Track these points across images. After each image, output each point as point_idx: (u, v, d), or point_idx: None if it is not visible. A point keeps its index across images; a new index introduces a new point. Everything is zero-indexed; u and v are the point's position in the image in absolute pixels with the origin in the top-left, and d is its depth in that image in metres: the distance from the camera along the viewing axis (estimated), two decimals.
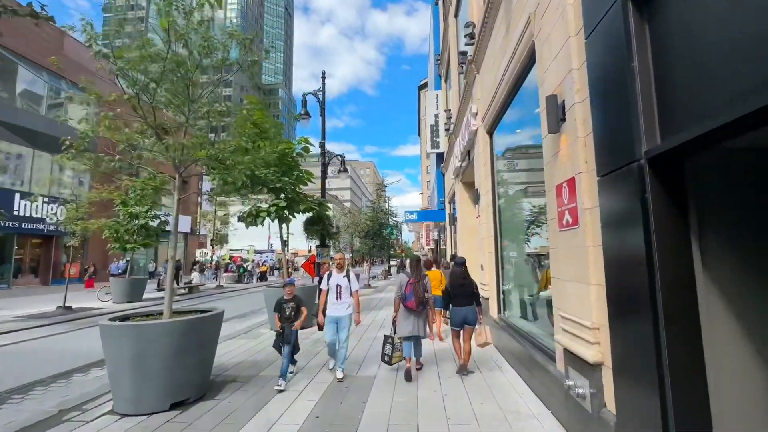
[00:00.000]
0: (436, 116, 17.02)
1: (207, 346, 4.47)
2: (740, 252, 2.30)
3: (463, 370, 4.93)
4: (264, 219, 8.32)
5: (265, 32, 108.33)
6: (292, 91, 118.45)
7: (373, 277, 27.84)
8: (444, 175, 16.98)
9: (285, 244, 9.08)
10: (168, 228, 16.33)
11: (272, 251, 46.97)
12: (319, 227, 10.51)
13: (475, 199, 7.70)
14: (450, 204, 15.70)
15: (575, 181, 2.98)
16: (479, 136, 7.52)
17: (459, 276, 5.10)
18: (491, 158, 6.93)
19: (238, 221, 9.14)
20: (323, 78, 12.05)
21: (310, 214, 10.44)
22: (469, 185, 11.09)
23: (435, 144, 16.83)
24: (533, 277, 5.40)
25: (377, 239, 20.63)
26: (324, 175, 11.38)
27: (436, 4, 18.96)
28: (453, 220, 12.37)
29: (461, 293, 5.00)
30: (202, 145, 4.86)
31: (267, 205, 8.55)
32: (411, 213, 17.85)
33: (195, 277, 18.19)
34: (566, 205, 3.13)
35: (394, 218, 21.96)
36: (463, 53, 8.46)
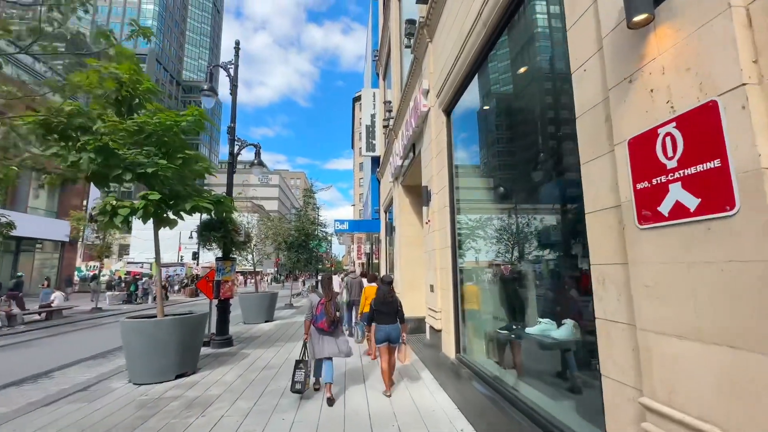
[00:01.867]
0: (373, 116, 15.45)
1: (197, 336, 6.18)
2: None
3: (388, 391, 4.88)
4: (126, 219, 5.68)
5: (189, 25, 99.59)
6: (218, 92, 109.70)
7: (297, 294, 25.04)
8: (380, 181, 15.36)
9: (157, 255, 6.45)
10: (14, 233, 12.13)
11: (182, 265, 41.03)
12: (219, 233, 7.99)
13: (425, 199, 6.03)
14: (386, 213, 14.07)
15: (719, 109, 1.31)
16: (432, 118, 5.90)
17: (386, 294, 5.08)
18: (448, 145, 5.31)
19: (89, 221, 6.31)
20: (236, 50, 9.69)
21: (209, 217, 7.91)
22: (412, 189, 9.50)
23: (370, 146, 15.19)
24: (515, 304, 3.77)
25: (303, 252, 18.18)
26: (231, 166, 8.91)
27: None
28: (390, 230, 10.72)
29: (386, 311, 4.99)
30: None
31: (138, 202, 5.91)
32: (342, 222, 15.84)
33: (57, 297, 13.90)
34: (684, 169, 1.45)
35: (323, 229, 19.72)
36: (411, 21, 6.88)
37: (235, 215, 8.67)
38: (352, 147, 78.15)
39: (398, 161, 9.16)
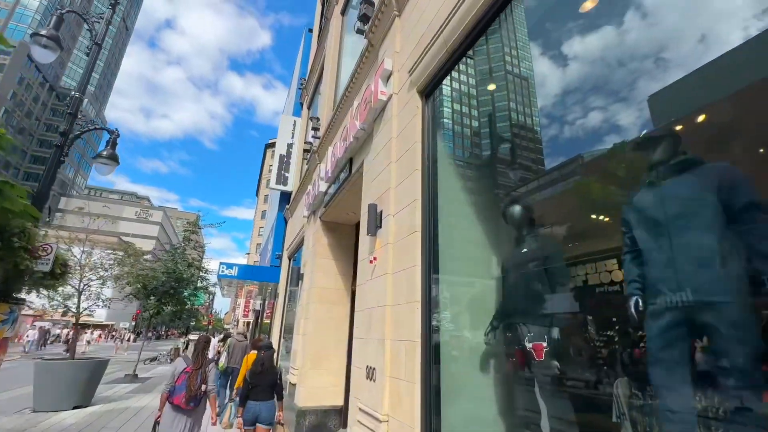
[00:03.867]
0: (290, 146, 13.26)
1: (94, 376, 8.01)
2: None
3: None
4: None
5: (85, 31, 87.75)
6: (103, 111, 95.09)
7: (152, 360, 19.14)
8: (287, 221, 12.75)
9: None
10: None
11: None
12: None
13: (370, 225, 3.88)
14: (291, 260, 11.35)
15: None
16: (393, 109, 4.03)
17: (265, 361, 4.53)
18: (425, 138, 3.42)
19: None
20: (114, 4, 6.93)
21: None
22: (334, 228, 7.32)
23: (282, 179, 12.74)
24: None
25: (169, 301, 13.76)
26: (59, 152, 5.60)
27: (310, 31, 16.62)
28: (295, 279, 8.04)
29: (261, 383, 4.40)
30: None
31: None
32: (229, 267, 12.31)
33: None
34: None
35: (205, 276, 15.59)
36: (369, 1, 5.28)
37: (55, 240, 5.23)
38: (257, 194, 73.11)
39: (322, 186, 6.99)
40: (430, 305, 2.91)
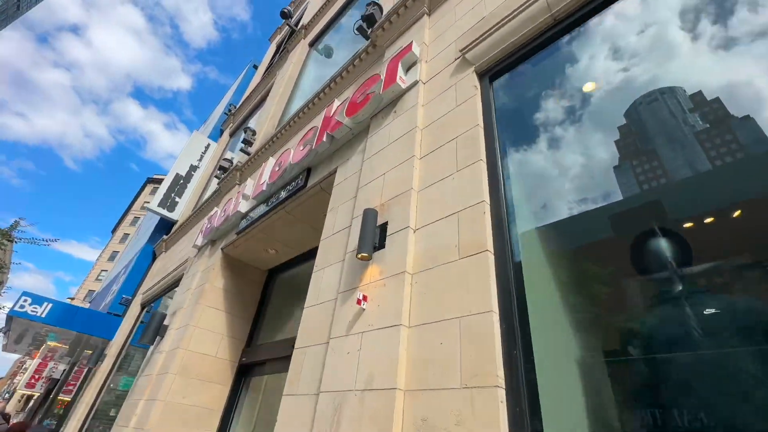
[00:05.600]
0: (193, 168, 10.76)
1: None
2: None
3: None
4: None
5: None
6: None
7: None
8: (157, 257, 9.54)
9: None
10: None
11: None
12: None
13: (365, 241, 2.29)
14: (145, 309, 8.09)
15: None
16: (426, 91, 2.87)
17: None
18: (490, 130, 2.24)
19: None
20: None
21: None
22: (239, 266, 5.28)
23: (169, 203, 9.86)
24: None
25: None
26: None
27: (254, 67, 15.53)
28: (153, 331, 5.17)
29: None
30: None
31: None
32: (38, 301, 7.96)
33: None
34: None
35: None
36: (375, 2, 4.44)
37: None
38: (114, 231, 59.97)
39: (243, 206, 5.05)
40: (523, 399, 1.38)
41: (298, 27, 10.13)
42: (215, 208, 6.23)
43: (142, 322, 8.19)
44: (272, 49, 14.21)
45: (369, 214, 2.38)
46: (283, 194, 4.34)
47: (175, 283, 6.65)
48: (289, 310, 5.64)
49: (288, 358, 4.44)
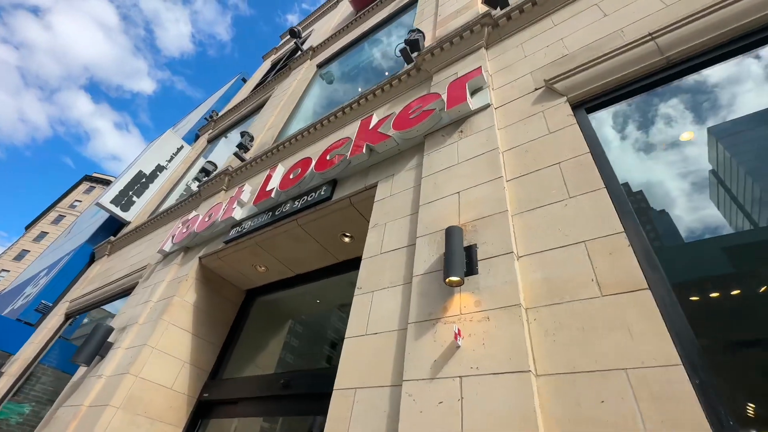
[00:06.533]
0: (159, 168, 9.74)
1: None
2: None
3: None
4: None
5: None
6: None
7: None
8: (96, 260, 8.16)
9: None
10: None
11: None
12: None
13: (454, 265, 1.90)
14: (70, 319, 6.71)
15: None
16: (503, 115, 2.68)
17: None
18: (597, 150, 2.06)
19: None
20: None
21: None
22: (217, 282, 4.61)
23: (124, 202, 8.66)
24: None
25: None
26: None
27: (243, 80, 15.07)
28: (92, 350, 4.04)
29: None
30: None
31: None
32: None
33: None
34: None
35: None
36: (417, 30, 4.38)
37: None
38: (28, 228, 52.84)
39: (238, 213, 4.43)
40: None
41: (305, 47, 10.06)
42: (194, 212, 5.45)
43: (61, 336, 6.76)
44: (266, 66, 13.99)
45: (455, 233, 2.02)
46: (297, 204, 3.83)
47: (124, 293, 5.59)
48: (266, 340, 4.87)
49: (266, 399, 3.70)
